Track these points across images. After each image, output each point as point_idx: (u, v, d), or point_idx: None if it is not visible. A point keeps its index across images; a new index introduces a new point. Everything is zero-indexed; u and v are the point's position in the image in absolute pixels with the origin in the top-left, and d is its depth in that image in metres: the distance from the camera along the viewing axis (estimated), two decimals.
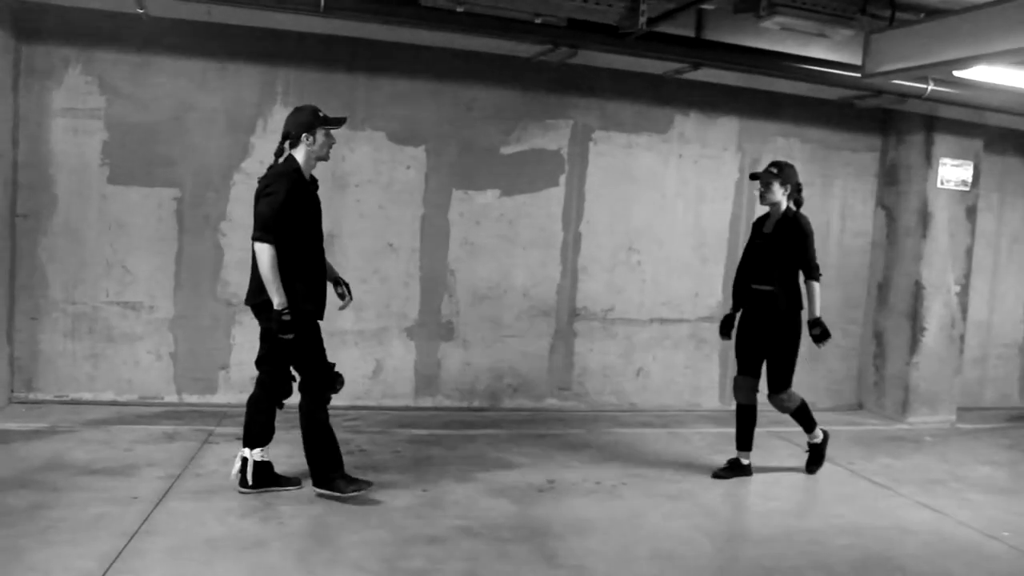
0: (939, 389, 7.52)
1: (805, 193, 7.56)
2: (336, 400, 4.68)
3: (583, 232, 7.12)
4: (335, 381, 4.59)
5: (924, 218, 7.34)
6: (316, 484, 4.57)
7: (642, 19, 4.40)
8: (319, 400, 4.54)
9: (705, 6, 4.40)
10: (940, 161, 7.29)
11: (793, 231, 5.29)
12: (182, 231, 6.25)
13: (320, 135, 4.50)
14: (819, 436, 5.63)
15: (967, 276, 7.57)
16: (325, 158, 4.62)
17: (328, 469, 4.54)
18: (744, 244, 7.43)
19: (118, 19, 5.63)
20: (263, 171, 6.25)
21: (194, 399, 6.34)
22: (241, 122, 6.31)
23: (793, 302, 5.29)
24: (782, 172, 5.32)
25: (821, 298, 5.40)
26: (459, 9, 4.36)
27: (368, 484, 4.59)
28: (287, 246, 4.31)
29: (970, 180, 7.42)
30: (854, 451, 6.36)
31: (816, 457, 5.68)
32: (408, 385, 6.80)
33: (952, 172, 7.33)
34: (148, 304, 6.22)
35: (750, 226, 7.41)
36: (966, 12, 3.91)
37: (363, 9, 4.74)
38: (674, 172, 7.32)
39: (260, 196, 4.37)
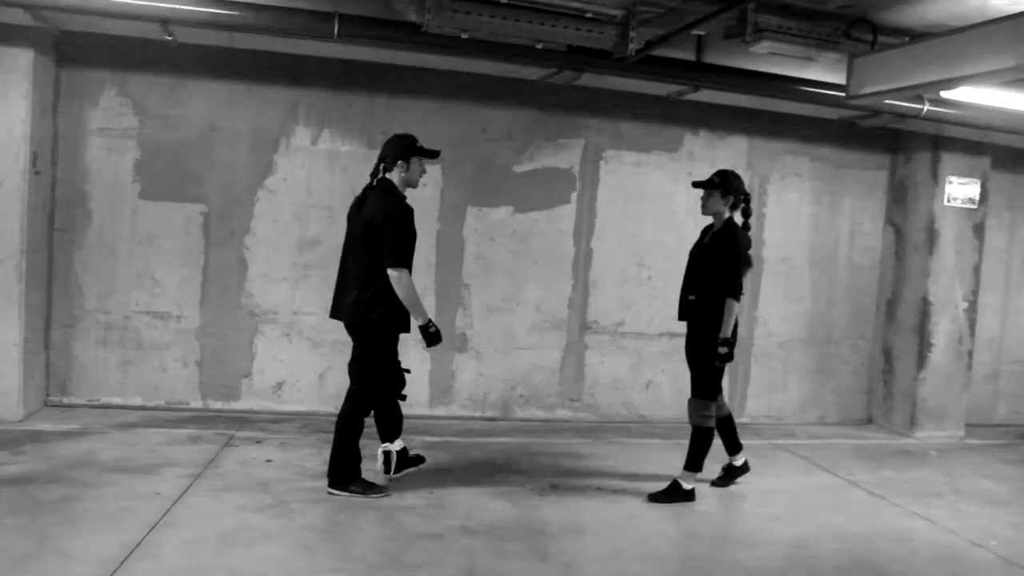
0: (947, 404, 7.60)
1: (813, 210, 7.83)
2: None
3: (594, 248, 7.34)
4: (402, 385, 4.96)
5: (931, 235, 7.46)
6: (330, 484, 4.85)
7: (632, 45, 4.63)
8: (362, 410, 4.86)
9: (696, 31, 4.61)
10: (947, 179, 7.41)
11: (725, 244, 5.16)
12: (208, 244, 6.57)
13: (414, 164, 4.81)
14: (691, 484, 5.21)
15: (975, 292, 7.66)
16: (415, 186, 4.92)
17: (347, 473, 4.82)
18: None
19: (150, 45, 5.97)
20: (286, 187, 6.67)
21: (218, 405, 6.64)
22: (265, 141, 6.63)
23: (713, 317, 5.09)
24: (723, 181, 5.24)
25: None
26: (463, 36, 4.62)
27: (384, 490, 4.88)
28: (384, 262, 4.64)
29: (978, 198, 7.52)
30: (855, 463, 6.48)
31: (672, 493, 5.19)
32: (423, 394, 7.02)
33: (959, 190, 7.44)
34: (176, 314, 6.54)
35: (759, 243, 7.71)
36: (942, 37, 4.08)
37: (372, 36, 5.01)
38: (684, 190, 7.48)
39: (383, 224, 4.62)
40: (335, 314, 4.98)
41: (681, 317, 5.49)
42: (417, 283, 6.86)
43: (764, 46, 4.53)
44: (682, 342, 7.44)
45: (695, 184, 5.46)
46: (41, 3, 4.74)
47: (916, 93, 4.47)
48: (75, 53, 6.18)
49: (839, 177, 7.86)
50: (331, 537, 4.24)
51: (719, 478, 5.64)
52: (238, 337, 6.67)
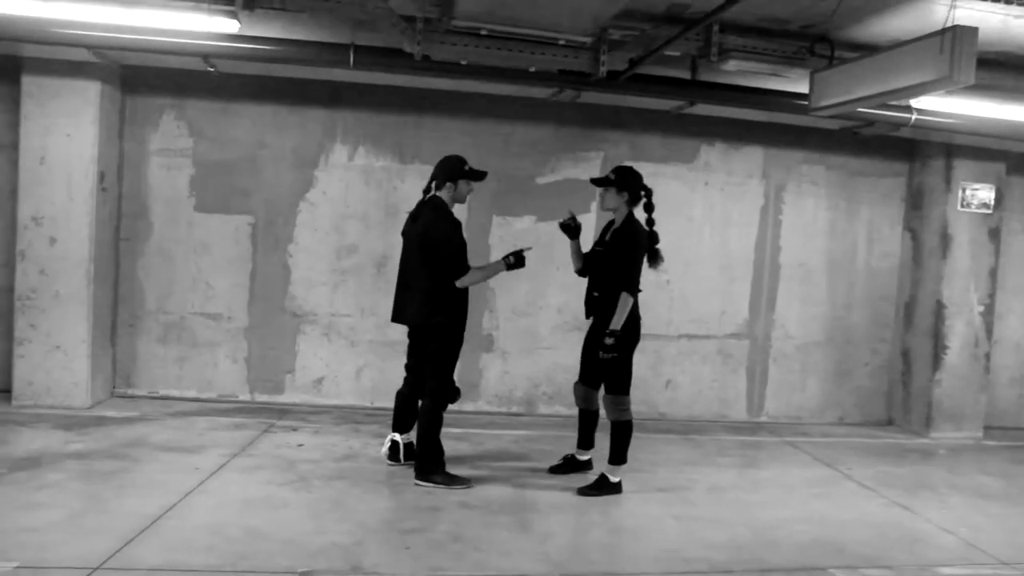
0: (964, 406, 7.76)
1: (830, 217, 8.09)
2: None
3: None
4: (456, 393, 5.43)
5: (945, 240, 7.66)
6: (417, 476, 5.29)
7: (602, 68, 5.10)
8: (441, 405, 5.34)
9: (670, 52, 5.03)
10: (960, 185, 7.61)
11: (624, 240, 5.30)
12: (256, 252, 7.26)
13: (462, 185, 5.39)
14: (617, 476, 5.38)
15: (991, 296, 7.81)
16: (462, 202, 5.50)
17: (432, 465, 5.29)
18: (769, 264, 7.99)
19: (203, 74, 6.69)
20: (325, 200, 7.30)
21: (264, 398, 7.32)
22: (306, 158, 7.30)
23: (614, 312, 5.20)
24: (619, 178, 5.37)
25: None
26: (463, 62, 5.16)
27: (467, 483, 5.30)
28: (446, 274, 5.18)
29: (992, 203, 7.69)
30: (857, 459, 6.72)
31: (600, 487, 5.36)
32: None
33: (973, 195, 7.62)
34: (227, 315, 7.25)
35: (775, 248, 8.04)
36: (883, 53, 4.37)
37: (383, 64, 5.58)
38: (700, 198, 7.89)
39: (441, 240, 5.15)
40: (397, 318, 5.48)
41: (588, 314, 5.53)
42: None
43: (732, 64, 4.92)
44: (700, 344, 7.72)
45: (592, 181, 5.62)
46: (101, 44, 5.46)
47: (864, 105, 4.77)
48: (138, 83, 6.96)
49: (856, 185, 8.11)
50: (340, 506, 4.80)
51: (558, 464, 5.77)
52: (282, 336, 7.34)
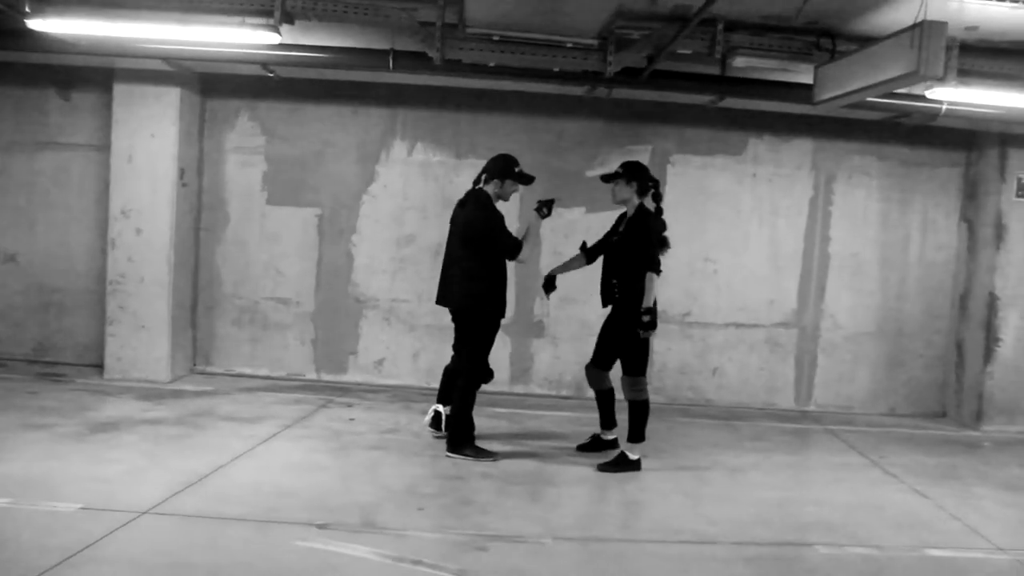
0: (1018, 399, 7.65)
1: (882, 208, 8.13)
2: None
3: None
4: (490, 374, 5.86)
5: (999, 230, 7.57)
6: (448, 448, 5.73)
7: (609, 68, 5.39)
8: (475, 384, 5.76)
9: (682, 51, 5.26)
10: (1015, 174, 7.50)
11: (639, 227, 5.59)
12: (322, 242, 7.86)
13: (508, 184, 5.81)
14: (636, 454, 5.65)
15: None
16: (505, 199, 5.92)
17: (462, 438, 5.73)
18: (818, 255, 8.07)
19: (270, 79, 7.29)
20: (386, 193, 7.82)
21: (329, 377, 7.92)
22: (369, 154, 7.84)
23: (637, 295, 5.48)
24: (627, 171, 5.66)
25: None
26: (492, 64, 5.55)
27: (495, 455, 5.71)
28: (490, 259, 5.65)
29: None
30: (894, 448, 6.77)
31: (619, 464, 5.64)
32: (504, 373, 7.94)
33: None
34: (295, 300, 7.88)
35: (825, 239, 8.11)
36: (873, 46, 4.49)
37: (419, 67, 5.99)
38: (748, 190, 8.04)
39: (491, 228, 5.57)
40: (442, 300, 5.92)
41: (605, 303, 5.82)
42: None
43: (740, 61, 5.13)
44: (748, 332, 7.92)
45: (601, 178, 5.90)
46: (171, 55, 6.16)
47: (855, 98, 4.87)
48: (216, 88, 7.65)
49: (909, 175, 8.07)
50: (370, 471, 5.30)
51: (585, 443, 6.10)
52: (346, 320, 7.92)
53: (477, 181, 5.85)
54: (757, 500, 5.26)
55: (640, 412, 5.69)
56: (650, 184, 5.76)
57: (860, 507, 5.24)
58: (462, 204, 5.88)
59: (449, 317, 5.96)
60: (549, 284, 5.99)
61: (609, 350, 5.80)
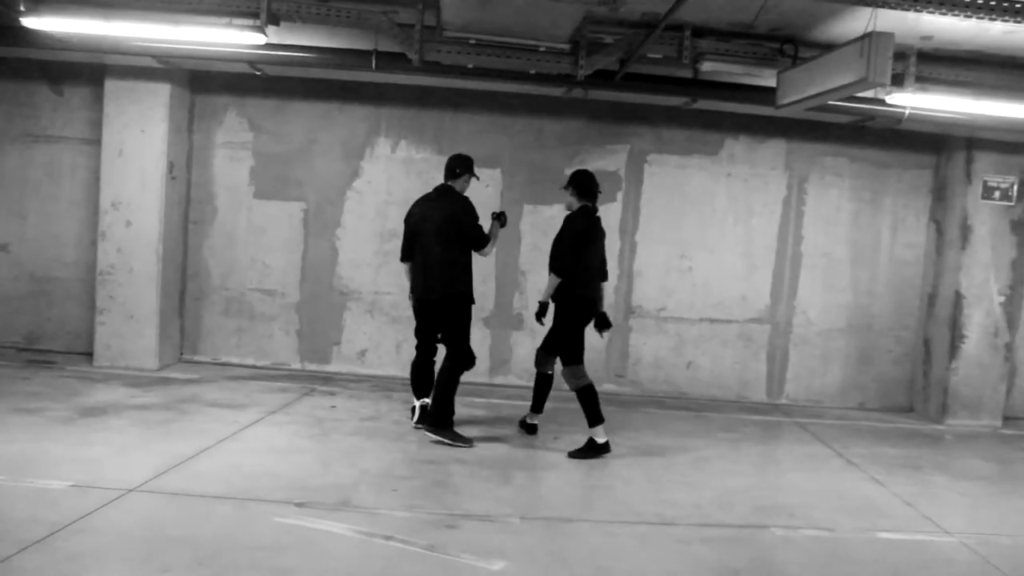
0: (982, 395, 7.91)
1: (854, 207, 8.35)
2: None
3: (638, 241, 8.25)
4: (473, 359, 6.11)
5: (964, 231, 7.82)
6: (429, 429, 5.94)
7: (581, 71, 5.62)
8: (459, 369, 6.01)
9: (652, 55, 5.48)
10: (980, 177, 7.75)
11: (562, 228, 6.01)
12: (307, 235, 8.07)
13: (468, 178, 6.10)
14: (602, 437, 5.91)
15: (1012, 287, 7.91)
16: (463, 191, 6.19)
17: (443, 420, 5.95)
18: (791, 253, 8.33)
19: (258, 76, 7.49)
20: (370, 189, 8.03)
21: (313, 367, 8.13)
22: (353, 151, 8.05)
23: (562, 289, 5.91)
24: (570, 179, 6.08)
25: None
26: (470, 65, 5.77)
27: (470, 442, 5.92)
28: (468, 251, 5.97)
29: (1015, 194, 7.80)
30: (857, 440, 7.01)
31: (588, 449, 5.90)
32: (484, 364, 8.16)
33: (993, 187, 7.76)
34: (281, 292, 8.09)
35: (797, 238, 8.34)
36: (829, 54, 4.73)
37: (399, 67, 6.19)
38: (724, 189, 8.27)
39: (473, 222, 5.89)
40: (428, 293, 6.07)
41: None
42: (479, 270, 8.14)
43: (707, 66, 5.36)
44: (721, 328, 8.29)
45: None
46: (161, 53, 6.37)
47: (817, 103, 5.10)
48: (205, 84, 7.85)
49: (880, 176, 8.32)
50: (349, 455, 5.51)
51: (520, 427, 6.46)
52: (330, 311, 8.13)
53: (447, 178, 6.06)
54: (720, 486, 5.49)
55: (588, 397, 5.95)
56: (585, 185, 6.04)
57: (819, 493, 5.47)
58: (430, 199, 6.08)
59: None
60: (603, 321, 6.29)
61: (547, 336, 6.18)
